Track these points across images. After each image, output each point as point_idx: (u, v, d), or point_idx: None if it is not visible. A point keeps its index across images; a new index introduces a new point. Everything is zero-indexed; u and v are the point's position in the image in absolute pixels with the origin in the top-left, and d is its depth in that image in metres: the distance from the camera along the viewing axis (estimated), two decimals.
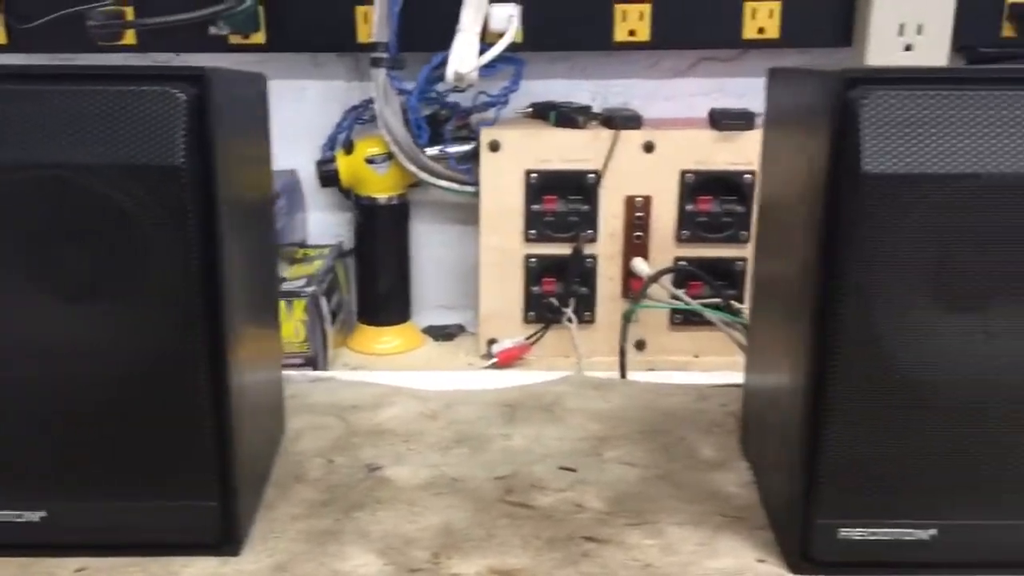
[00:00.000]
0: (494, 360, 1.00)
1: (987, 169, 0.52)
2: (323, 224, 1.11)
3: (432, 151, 1.01)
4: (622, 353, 0.95)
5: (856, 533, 0.59)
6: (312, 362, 0.95)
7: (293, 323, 0.94)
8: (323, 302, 0.94)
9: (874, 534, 0.59)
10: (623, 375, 0.93)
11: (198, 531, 0.60)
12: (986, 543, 0.59)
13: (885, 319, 0.55)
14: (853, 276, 0.54)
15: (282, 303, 0.93)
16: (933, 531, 0.59)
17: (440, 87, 0.99)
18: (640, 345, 1.04)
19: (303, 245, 1.08)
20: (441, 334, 1.11)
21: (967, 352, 0.56)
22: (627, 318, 0.97)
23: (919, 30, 0.93)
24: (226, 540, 0.61)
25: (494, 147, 0.97)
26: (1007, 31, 0.99)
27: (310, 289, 0.92)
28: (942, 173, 0.52)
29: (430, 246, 1.11)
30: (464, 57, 0.93)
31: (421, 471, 0.73)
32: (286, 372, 0.91)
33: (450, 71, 0.93)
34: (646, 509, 0.67)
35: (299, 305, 0.92)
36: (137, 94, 0.53)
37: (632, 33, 1.00)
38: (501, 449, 0.76)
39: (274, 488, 0.70)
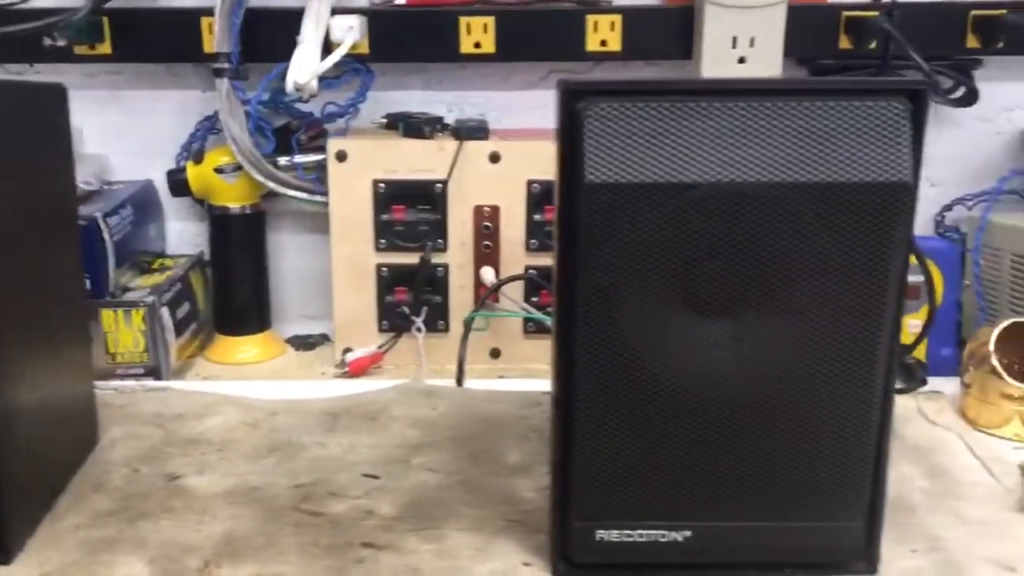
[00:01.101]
0: (346, 370, 1.01)
1: (710, 179, 0.53)
2: (187, 234, 1.11)
3: (284, 161, 1.02)
4: (460, 361, 0.96)
5: (613, 535, 0.60)
6: (154, 372, 0.95)
7: (132, 333, 0.94)
8: (164, 312, 0.94)
9: (630, 536, 0.60)
10: (459, 383, 0.94)
11: None
12: (738, 544, 0.60)
13: (631, 326, 0.56)
14: (589, 283, 0.55)
15: (119, 313, 0.93)
16: (687, 532, 0.60)
17: (289, 98, 1.00)
18: (495, 353, 1.04)
19: (161, 255, 1.08)
20: (303, 344, 1.11)
21: (716, 358, 0.57)
22: (467, 326, 0.98)
23: (751, 43, 0.95)
24: None
25: (341, 157, 0.98)
26: (844, 43, 1.01)
27: (149, 299, 0.92)
28: (666, 183, 0.53)
29: (290, 256, 1.11)
30: (303, 67, 0.93)
31: (224, 480, 0.73)
32: (120, 383, 0.92)
33: (289, 81, 0.94)
34: (434, 515, 0.68)
35: (137, 315, 0.92)
36: None
37: (478, 45, 1.01)
38: (312, 457, 0.77)
39: (69, 497, 0.70)
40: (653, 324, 0.56)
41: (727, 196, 0.53)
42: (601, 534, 0.60)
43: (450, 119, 1.04)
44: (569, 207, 0.54)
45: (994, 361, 0.82)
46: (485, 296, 0.97)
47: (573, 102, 0.54)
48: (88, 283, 0.92)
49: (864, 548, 0.60)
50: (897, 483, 0.73)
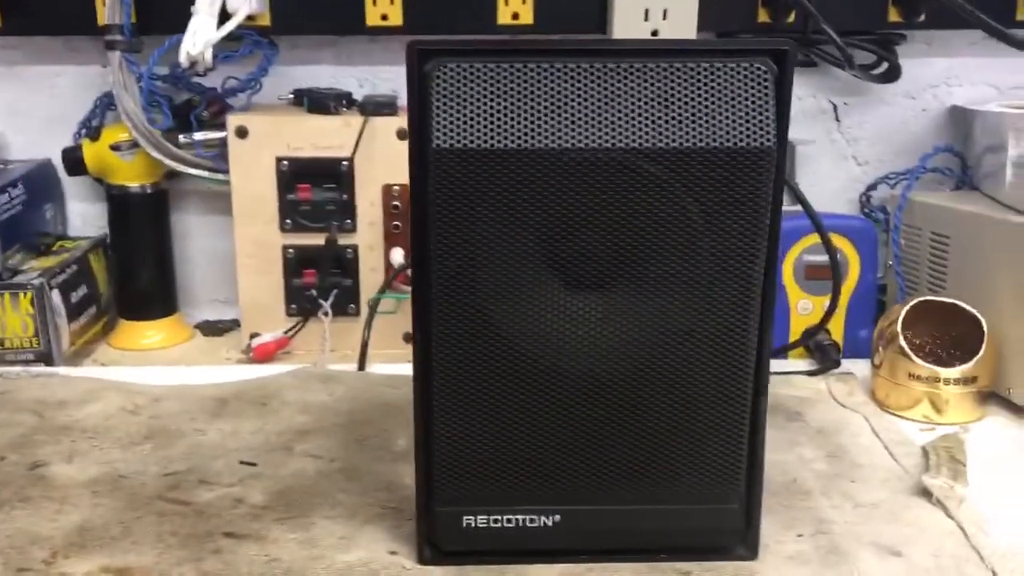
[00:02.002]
0: (251, 355, 0.98)
1: (567, 145, 0.50)
2: (90, 215, 1.07)
3: (184, 138, 0.98)
4: (363, 344, 0.93)
5: (480, 521, 0.57)
6: (45, 358, 0.91)
7: (20, 317, 0.90)
8: (55, 295, 0.90)
9: (497, 521, 0.57)
10: (361, 367, 0.91)
11: None
12: (611, 529, 0.58)
13: (494, 302, 0.53)
14: (443, 255, 0.52)
15: (7, 296, 0.89)
16: (557, 517, 0.57)
17: (190, 73, 0.96)
18: (408, 338, 1.01)
19: (62, 237, 1.04)
20: (212, 329, 1.08)
21: (586, 334, 0.55)
22: (372, 308, 0.95)
23: (664, 15, 0.92)
24: None
25: (241, 133, 0.94)
26: (762, 16, 0.99)
27: (37, 282, 0.88)
28: (519, 148, 0.50)
29: (198, 238, 1.08)
30: (196, 38, 0.90)
31: (91, 468, 0.70)
32: (6, 368, 0.88)
33: (182, 52, 0.90)
34: (307, 503, 0.65)
35: (25, 299, 0.88)
36: None
37: (384, 17, 0.98)
38: (190, 444, 0.73)
39: None
40: (519, 300, 0.54)
41: (586, 163, 0.50)
42: (468, 520, 0.57)
43: (361, 95, 1.01)
44: (420, 175, 0.51)
45: (902, 341, 0.79)
46: (391, 277, 0.94)
47: (422, 63, 0.50)
48: None
49: (743, 532, 0.58)
50: (795, 466, 0.71)
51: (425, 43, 0.50)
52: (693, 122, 0.50)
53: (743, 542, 0.58)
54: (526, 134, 0.50)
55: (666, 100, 0.50)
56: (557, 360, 0.55)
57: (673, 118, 0.50)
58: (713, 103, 0.50)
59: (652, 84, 0.50)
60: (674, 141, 0.50)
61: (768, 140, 0.50)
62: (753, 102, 0.50)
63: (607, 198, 0.52)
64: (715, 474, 0.56)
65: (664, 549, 0.58)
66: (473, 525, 0.57)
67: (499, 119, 0.50)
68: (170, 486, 0.67)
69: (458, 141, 0.50)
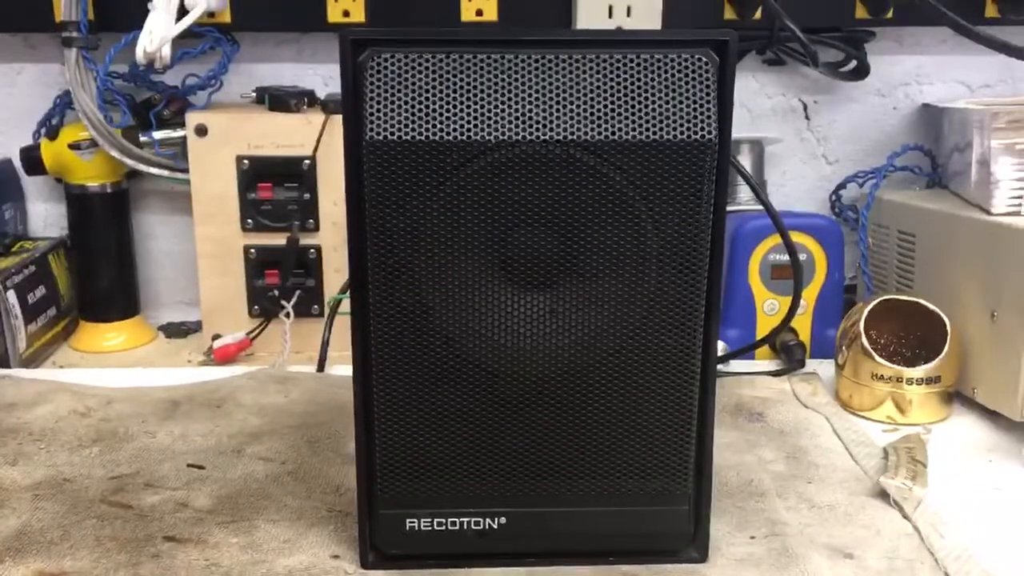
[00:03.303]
0: (211, 357, 0.96)
1: (505, 137, 0.49)
2: (52, 216, 1.06)
3: (145, 137, 0.97)
4: (323, 345, 0.92)
5: (424, 524, 0.56)
6: (0, 360, 0.90)
7: None
8: (11, 295, 0.89)
9: (442, 524, 0.56)
10: (321, 368, 0.90)
11: None
12: (557, 531, 0.56)
13: (433, 299, 0.52)
14: (379, 251, 0.51)
15: None
16: (502, 519, 0.56)
17: (149, 71, 0.95)
18: None
19: (21, 238, 1.02)
20: (176, 331, 1.06)
21: (532, 332, 0.54)
22: (333, 309, 0.94)
23: (628, 12, 0.91)
24: None
25: (201, 131, 0.93)
26: (729, 13, 0.98)
27: None
28: (455, 140, 0.49)
29: (162, 238, 1.06)
30: (153, 34, 0.88)
31: (36, 471, 0.68)
32: None
33: (139, 48, 0.88)
34: (253, 506, 0.64)
35: None
36: None
37: (347, 14, 0.96)
38: (138, 447, 0.72)
39: None
40: (461, 297, 0.52)
41: (525, 156, 0.49)
42: (411, 523, 0.56)
43: (325, 93, 1.00)
44: (355, 168, 0.50)
45: (864, 340, 0.78)
46: None
47: (356, 53, 0.49)
48: None
49: (692, 534, 0.57)
50: (753, 467, 0.69)
51: (358, 33, 0.49)
52: (634, 114, 0.49)
53: (693, 544, 0.57)
54: (462, 126, 0.49)
55: (607, 92, 0.49)
56: (500, 360, 0.53)
57: (613, 110, 0.49)
58: (654, 95, 0.49)
59: (592, 76, 0.49)
60: (614, 134, 0.49)
61: (709, 132, 0.49)
62: (694, 94, 0.49)
63: (549, 192, 0.51)
64: (663, 475, 0.55)
65: (612, 552, 0.57)
66: (416, 528, 0.56)
67: (435, 111, 0.49)
68: (114, 489, 0.66)
69: (392, 133, 0.48)
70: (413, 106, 0.49)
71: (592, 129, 0.49)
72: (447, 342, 0.53)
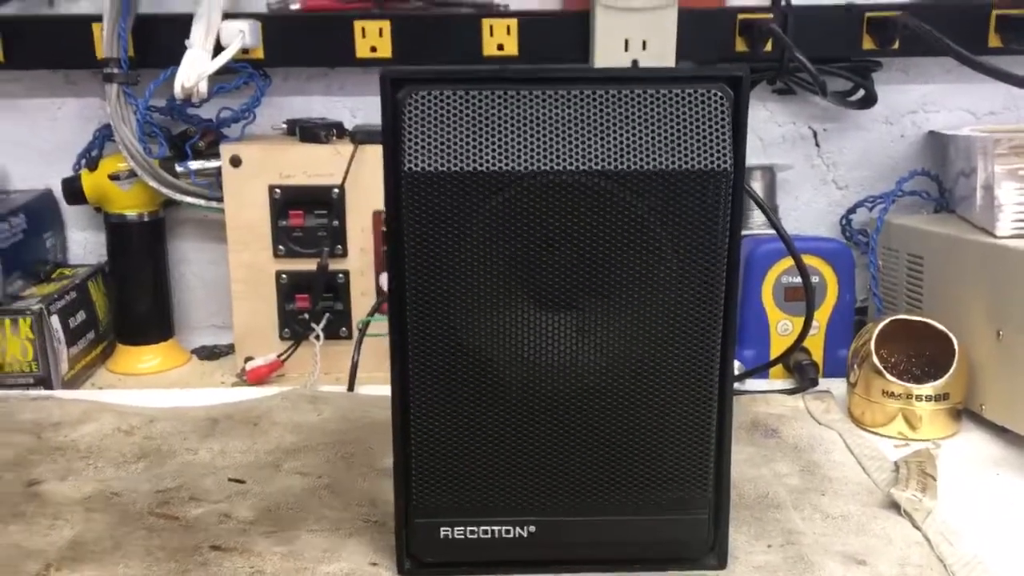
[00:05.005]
0: (244, 379, 1.00)
1: (534, 168, 0.53)
2: (91, 244, 1.10)
3: (181, 168, 1.01)
4: (352, 366, 0.95)
5: (457, 532, 0.59)
6: (43, 382, 0.94)
7: (20, 342, 0.92)
8: (54, 320, 0.93)
9: (474, 532, 0.59)
10: (351, 388, 0.93)
11: None
12: (584, 539, 0.59)
13: (466, 320, 0.56)
14: (417, 275, 0.54)
15: (7, 322, 0.91)
16: (532, 528, 0.59)
17: (185, 104, 0.99)
18: None
19: (61, 265, 1.07)
20: (209, 354, 1.10)
21: (559, 351, 0.57)
22: (361, 331, 0.98)
23: (644, 45, 0.95)
24: None
25: (235, 162, 0.97)
26: (740, 45, 1.02)
27: (36, 307, 0.91)
28: (487, 171, 0.52)
29: (195, 265, 1.10)
30: (190, 70, 0.93)
31: (85, 486, 0.72)
32: (5, 392, 0.91)
33: (177, 84, 0.93)
34: (293, 518, 0.67)
35: (24, 323, 0.91)
36: None
37: (374, 49, 1.01)
38: (181, 463, 0.76)
39: None
40: (491, 318, 0.56)
41: (552, 185, 0.53)
42: (445, 531, 0.59)
43: (352, 124, 1.04)
44: (394, 198, 0.54)
45: (875, 359, 0.81)
46: (381, 300, 0.96)
47: (395, 91, 0.53)
48: None
49: (712, 542, 0.60)
50: (769, 480, 0.72)
51: (397, 72, 0.53)
52: (653, 145, 0.52)
53: (712, 552, 0.60)
54: (493, 157, 0.52)
55: (629, 125, 0.53)
56: (529, 377, 0.57)
57: (634, 142, 0.52)
58: (673, 127, 0.52)
59: (615, 110, 0.53)
60: (636, 164, 0.52)
61: (724, 162, 0.52)
62: (710, 126, 0.52)
63: (574, 219, 0.54)
64: (683, 486, 0.58)
65: (636, 559, 0.60)
66: (450, 536, 0.59)
67: (468, 143, 0.52)
68: (160, 502, 0.69)
69: (428, 164, 0.52)
70: (448, 139, 0.52)
71: (615, 159, 0.52)
72: (478, 360, 0.56)
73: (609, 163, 0.52)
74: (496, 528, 0.59)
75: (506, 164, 0.52)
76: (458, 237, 0.53)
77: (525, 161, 0.52)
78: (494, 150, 0.52)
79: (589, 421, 0.57)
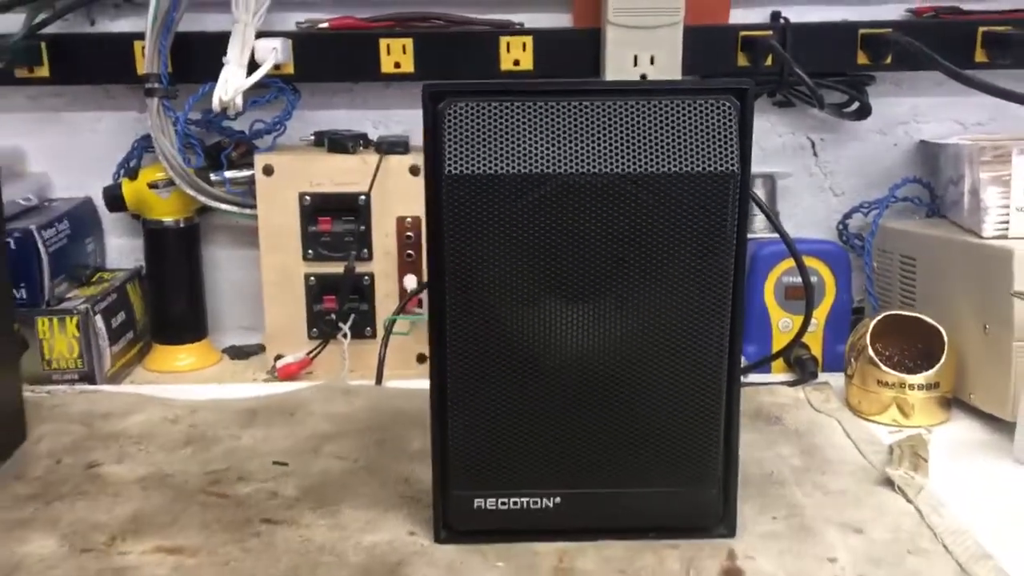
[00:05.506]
0: (275, 375, 1.06)
1: (559, 171, 0.59)
2: (126, 249, 1.16)
3: (216, 176, 1.07)
4: (380, 361, 1.01)
5: (490, 503, 0.65)
6: (88, 378, 0.99)
7: (67, 340, 0.98)
8: (98, 320, 0.99)
9: (505, 504, 0.65)
10: (379, 381, 0.99)
11: None
12: (605, 510, 0.65)
13: (499, 308, 0.62)
14: (454, 269, 0.60)
15: (54, 321, 0.97)
16: (557, 499, 0.65)
17: (220, 117, 1.05)
18: (421, 358, 1.09)
19: (100, 269, 1.13)
20: (239, 353, 1.16)
21: (581, 338, 0.63)
22: (387, 328, 1.03)
23: (652, 61, 1.02)
24: None
25: (268, 171, 1.03)
26: (741, 60, 1.08)
27: (82, 307, 0.97)
28: (518, 174, 0.59)
29: (227, 269, 1.16)
30: (228, 85, 0.99)
31: (140, 468, 0.77)
32: (54, 387, 0.96)
33: (215, 98, 0.99)
34: (335, 495, 0.73)
35: (71, 322, 0.97)
36: None
37: (398, 65, 1.07)
38: (226, 448, 0.81)
39: None
40: (522, 307, 0.62)
41: (577, 186, 0.59)
42: (478, 502, 0.65)
43: (375, 136, 1.10)
44: (435, 199, 0.60)
45: (871, 352, 0.87)
46: (405, 300, 1.02)
47: (436, 103, 0.59)
48: (24, 292, 0.97)
49: (722, 513, 0.66)
50: (773, 462, 0.78)
51: (437, 86, 0.59)
52: (668, 150, 0.58)
53: (723, 522, 0.66)
54: (525, 161, 0.58)
55: (647, 132, 0.59)
56: (556, 361, 0.63)
57: (651, 147, 0.58)
58: (685, 134, 0.58)
59: (634, 119, 0.59)
60: (653, 167, 0.58)
61: (733, 165, 0.58)
62: (719, 133, 0.58)
63: (597, 217, 0.60)
64: (696, 462, 0.64)
65: (653, 528, 0.66)
66: (483, 506, 0.65)
67: (502, 149, 0.58)
68: (211, 482, 0.75)
69: (467, 168, 0.58)
70: (484, 145, 0.58)
71: (634, 163, 0.58)
72: (509, 346, 0.62)
73: (629, 167, 0.58)
74: (525, 499, 0.65)
75: (536, 167, 0.58)
76: (492, 234, 0.59)
77: (553, 165, 0.58)
78: (525, 155, 0.59)
79: (610, 403, 0.63)
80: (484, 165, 0.58)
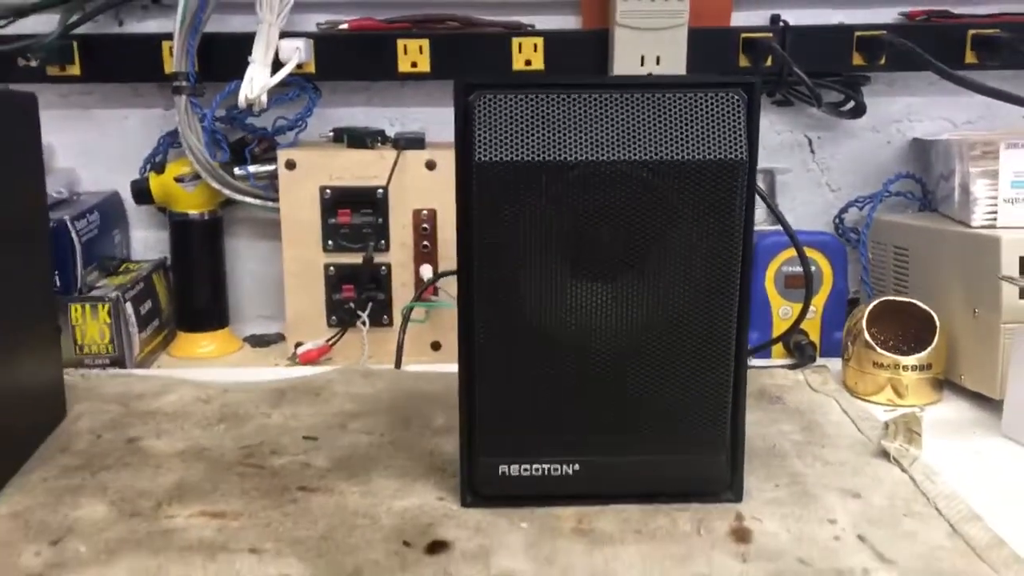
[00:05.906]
0: (296, 362, 1.10)
1: (581, 158, 0.63)
2: (150, 241, 1.21)
3: (239, 171, 1.12)
4: (398, 345, 1.06)
5: (514, 469, 0.70)
6: (118, 362, 1.03)
7: (98, 326, 1.02)
8: (128, 307, 1.03)
9: (527, 470, 0.70)
10: (398, 365, 1.03)
11: None
12: (621, 476, 0.70)
13: (524, 287, 0.66)
14: (483, 250, 0.65)
15: (87, 307, 1.01)
16: (576, 466, 0.70)
17: (244, 114, 1.10)
18: (436, 346, 1.14)
19: (126, 260, 1.17)
20: (259, 342, 1.20)
21: (599, 315, 0.67)
22: (404, 316, 1.08)
23: (657, 61, 1.07)
24: None
25: (290, 166, 1.08)
26: (743, 61, 1.13)
27: (114, 295, 1.01)
28: (543, 161, 0.63)
29: (248, 260, 1.21)
30: (253, 83, 1.03)
31: (178, 443, 0.82)
32: (88, 370, 1.01)
33: (241, 96, 1.04)
34: (364, 466, 0.77)
35: (103, 309, 1.01)
36: None
37: (414, 65, 1.12)
38: (258, 425, 0.86)
39: (37, 459, 0.78)
40: (547, 287, 0.66)
41: (598, 173, 0.63)
42: (503, 468, 0.69)
43: (392, 132, 1.15)
44: (465, 185, 0.65)
45: (866, 335, 0.92)
46: (422, 289, 1.07)
47: (466, 95, 0.64)
48: (58, 280, 1.01)
49: (729, 480, 0.70)
50: (775, 436, 0.83)
51: (468, 79, 0.64)
52: (682, 139, 0.63)
53: (730, 488, 0.71)
54: (550, 149, 0.63)
55: (662, 122, 0.63)
56: (577, 338, 0.67)
57: (666, 136, 0.63)
58: (698, 124, 0.63)
59: (651, 110, 0.64)
60: (668, 155, 0.63)
61: (741, 153, 0.63)
62: (729, 123, 0.63)
63: (616, 202, 0.65)
64: (705, 432, 0.69)
65: (664, 493, 0.70)
66: (507, 473, 0.69)
67: (528, 138, 0.63)
68: (246, 455, 0.79)
69: (496, 156, 0.63)
70: (511, 134, 0.63)
71: (651, 151, 0.63)
72: (533, 322, 0.67)
73: (646, 154, 0.63)
74: (546, 466, 0.69)
75: (560, 155, 0.63)
76: (517, 216, 0.64)
77: (576, 153, 0.63)
78: (550, 143, 0.63)
79: (626, 376, 0.68)
80: (512, 153, 0.63)
